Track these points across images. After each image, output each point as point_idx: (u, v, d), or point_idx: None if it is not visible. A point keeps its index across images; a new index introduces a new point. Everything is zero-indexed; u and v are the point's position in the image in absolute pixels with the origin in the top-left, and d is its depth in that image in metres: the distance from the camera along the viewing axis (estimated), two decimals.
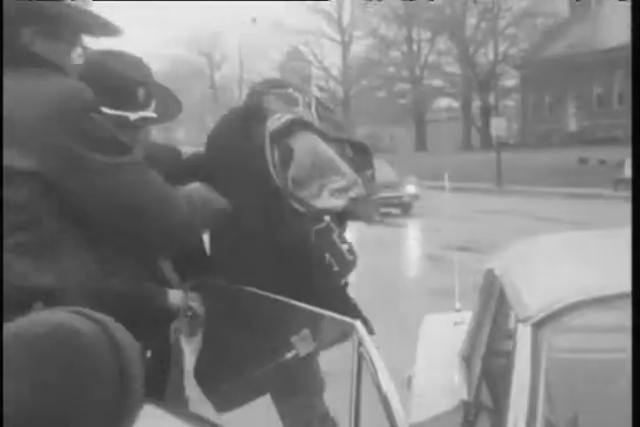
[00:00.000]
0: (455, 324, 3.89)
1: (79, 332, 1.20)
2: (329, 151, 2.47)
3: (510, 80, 54.24)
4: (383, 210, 23.40)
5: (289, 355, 2.33)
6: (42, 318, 1.24)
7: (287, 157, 2.35)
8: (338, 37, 59.89)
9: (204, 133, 2.78)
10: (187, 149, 2.56)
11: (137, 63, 2.31)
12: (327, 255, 2.37)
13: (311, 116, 2.53)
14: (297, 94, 2.58)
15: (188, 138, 52.74)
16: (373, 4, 55.63)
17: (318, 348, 2.42)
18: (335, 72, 61.58)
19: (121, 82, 2.13)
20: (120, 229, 1.78)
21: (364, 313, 2.47)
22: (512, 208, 22.48)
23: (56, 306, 1.35)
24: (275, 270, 2.34)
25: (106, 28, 2.01)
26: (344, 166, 2.48)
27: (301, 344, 2.34)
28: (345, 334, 2.10)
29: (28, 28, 1.82)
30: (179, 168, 2.38)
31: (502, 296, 2.51)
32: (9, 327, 1.22)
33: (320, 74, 63.05)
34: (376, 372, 1.54)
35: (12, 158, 1.61)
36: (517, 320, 2.09)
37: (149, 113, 2.28)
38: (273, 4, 72.21)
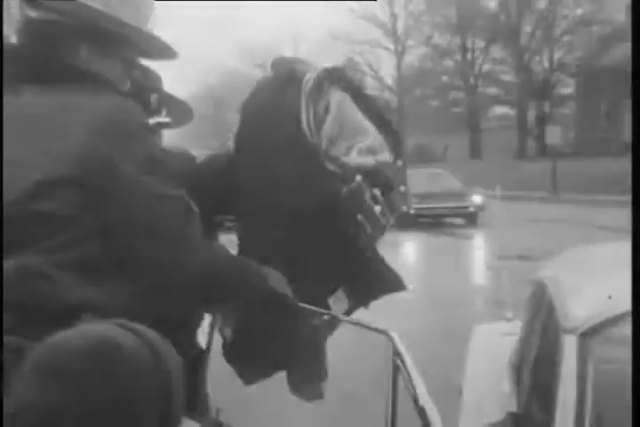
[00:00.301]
0: (505, 334, 3.85)
1: (122, 346, 1.21)
2: (357, 112, 2.46)
3: (566, 88, 53.64)
4: (447, 220, 23.44)
5: (325, 316, 2.33)
6: (85, 331, 1.25)
7: (320, 115, 2.34)
8: (392, 47, 59.88)
9: None
10: (200, 153, 2.55)
11: (146, 70, 2.34)
12: (359, 215, 2.34)
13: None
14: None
15: None
16: (427, 14, 55.62)
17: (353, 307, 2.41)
18: (389, 82, 61.55)
19: (135, 88, 2.12)
20: (136, 256, 1.71)
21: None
22: (568, 217, 22.22)
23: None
24: (307, 230, 2.33)
25: (163, 52, 2.02)
26: (372, 129, 2.46)
27: (337, 304, 2.35)
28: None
29: (84, 44, 1.84)
30: (193, 173, 2.37)
31: (550, 306, 2.47)
32: (53, 340, 1.22)
33: (375, 84, 63.09)
34: (412, 382, 1.51)
35: (56, 170, 1.61)
36: (564, 331, 2.06)
37: (164, 118, 2.31)
38: (328, 15, 72.35)
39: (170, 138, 2.62)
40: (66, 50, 1.82)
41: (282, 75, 2.43)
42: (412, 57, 59.14)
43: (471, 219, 22.76)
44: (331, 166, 2.29)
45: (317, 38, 61.58)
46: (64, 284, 1.54)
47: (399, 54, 59.23)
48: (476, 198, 23.03)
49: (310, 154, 2.30)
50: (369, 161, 2.38)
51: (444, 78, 58.23)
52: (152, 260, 1.70)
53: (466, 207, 22.64)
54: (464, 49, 56.32)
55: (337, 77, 2.46)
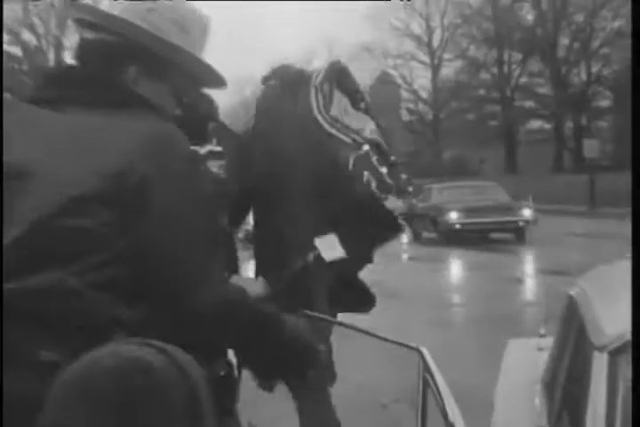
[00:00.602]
0: (540, 348, 3.84)
1: (152, 365, 1.23)
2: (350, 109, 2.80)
3: (603, 101, 53.24)
4: (495, 235, 22.10)
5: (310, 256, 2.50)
6: (116, 351, 1.26)
7: (328, 98, 2.62)
8: (427, 60, 59.80)
9: None
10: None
11: (203, 98, 2.37)
12: (366, 173, 2.65)
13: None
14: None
15: None
16: (463, 27, 55.53)
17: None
18: (424, 95, 61.43)
19: (187, 115, 2.14)
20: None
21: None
22: (606, 231, 21.91)
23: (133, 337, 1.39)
24: (317, 187, 2.60)
25: (214, 80, 2.04)
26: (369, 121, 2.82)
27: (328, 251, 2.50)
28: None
29: (135, 67, 1.87)
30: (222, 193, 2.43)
31: (581, 323, 2.47)
32: (82, 360, 1.24)
33: (409, 97, 62.98)
34: (442, 399, 1.52)
35: (92, 187, 1.62)
36: (594, 348, 2.06)
37: (216, 147, 2.34)
38: (362, 28, 72.51)
39: None
40: (115, 71, 1.85)
41: (290, 77, 2.60)
42: (448, 70, 59.08)
43: (520, 234, 21.67)
44: (342, 136, 2.59)
45: (352, 52, 61.60)
46: (96, 302, 1.56)
47: (435, 67, 59.13)
48: (526, 212, 21.82)
49: (323, 128, 2.59)
50: (376, 136, 2.80)
51: (480, 91, 58.01)
52: (170, 284, 1.70)
53: (515, 222, 21.43)
54: (500, 62, 56.09)
55: (338, 71, 2.75)
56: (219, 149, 2.35)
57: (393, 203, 2.76)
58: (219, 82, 2.05)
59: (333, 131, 2.68)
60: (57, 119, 1.75)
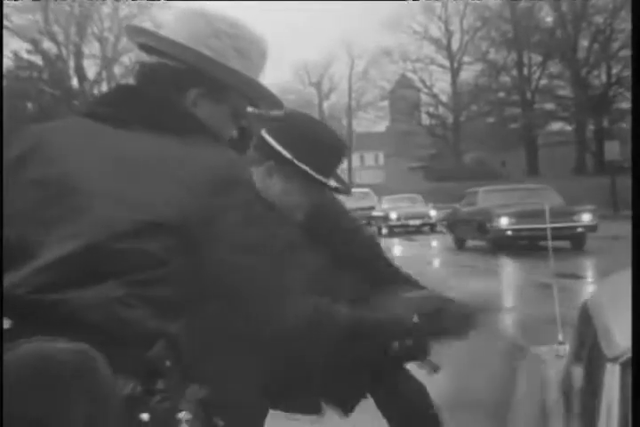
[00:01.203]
0: (559, 356, 3.81)
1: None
2: None
3: (624, 103, 53.01)
4: (552, 244, 19.52)
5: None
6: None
7: None
8: (447, 64, 59.83)
9: None
10: None
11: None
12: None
13: None
14: None
15: None
16: (482, 29, 55.50)
17: None
18: (444, 98, 61.43)
19: (241, 136, 2.16)
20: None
21: None
22: (628, 233, 21.47)
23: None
24: None
25: (270, 102, 2.05)
26: None
27: None
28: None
29: (194, 90, 1.88)
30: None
31: (594, 333, 2.45)
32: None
33: (429, 100, 63.00)
34: None
35: (159, 214, 1.65)
36: (606, 359, 2.04)
37: (342, 183, 2.42)
38: (381, 32, 72.57)
39: None
40: (175, 94, 1.86)
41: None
42: (468, 73, 59.08)
43: (578, 241, 19.41)
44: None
45: (371, 56, 61.71)
46: (142, 313, 1.59)
47: (454, 71, 59.12)
48: (586, 217, 19.61)
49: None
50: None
51: (500, 94, 57.94)
52: (242, 313, 1.72)
53: (573, 228, 19.10)
54: (520, 64, 56.02)
55: None
56: (345, 184, 2.44)
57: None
58: (276, 104, 2.07)
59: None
60: (119, 138, 1.77)
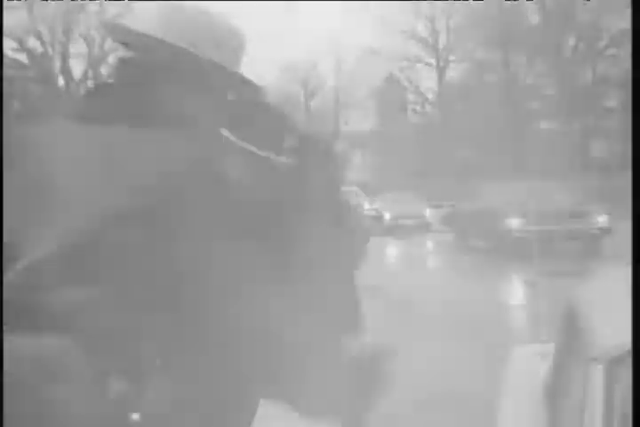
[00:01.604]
0: (545, 355, 3.81)
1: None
2: None
3: (610, 101, 53.18)
4: (564, 246, 18.14)
5: None
6: None
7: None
8: (433, 62, 59.88)
9: None
10: None
11: (282, 114, 2.45)
12: None
13: None
14: None
15: None
16: (468, 28, 55.52)
17: None
18: (431, 96, 61.50)
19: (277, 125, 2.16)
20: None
21: None
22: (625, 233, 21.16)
23: None
24: None
25: (250, 90, 2.06)
26: None
27: None
28: None
29: (172, 85, 1.88)
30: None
31: (579, 331, 2.45)
32: None
33: (416, 99, 63.06)
34: None
35: (128, 203, 1.64)
36: (591, 358, 2.04)
37: (290, 159, 2.38)
38: (369, 30, 72.71)
39: None
40: (153, 89, 1.86)
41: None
42: (454, 72, 59.20)
43: (593, 245, 18.19)
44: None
45: (357, 54, 61.70)
46: (120, 315, 1.59)
47: (440, 69, 59.20)
48: (602, 219, 18.43)
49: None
50: None
51: (487, 93, 58.02)
52: (195, 303, 1.67)
53: (588, 230, 17.96)
54: (506, 63, 56.08)
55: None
56: (292, 161, 2.42)
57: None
58: (257, 92, 2.08)
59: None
60: (101, 138, 1.77)
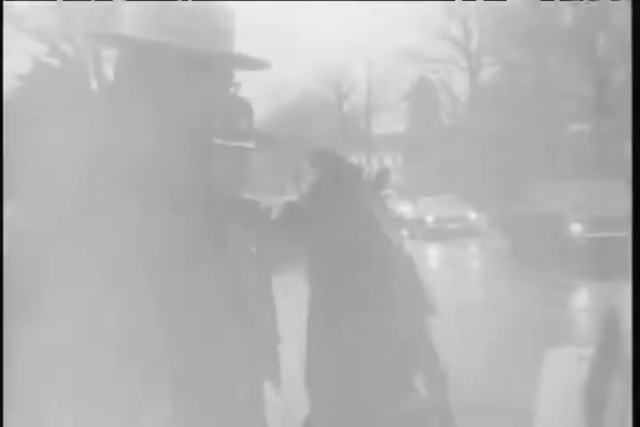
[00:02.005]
0: (579, 359, 3.77)
1: None
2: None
3: None
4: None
5: None
6: None
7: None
8: (466, 64, 59.68)
9: None
10: (268, 201, 2.59)
11: (237, 97, 2.38)
12: None
13: None
14: None
15: None
16: (502, 29, 55.27)
17: None
18: (464, 99, 61.29)
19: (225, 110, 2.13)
20: None
21: None
22: None
23: None
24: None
25: (255, 65, 2.00)
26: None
27: None
28: None
29: (170, 74, 1.87)
30: (261, 222, 2.38)
31: (617, 334, 2.42)
32: None
33: (448, 101, 62.88)
34: None
35: None
36: (627, 361, 2.01)
37: (247, 144, 2.35)
38: (401, 33, 72.61)
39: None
40: (153, 88, 1.86)
41: (330, 172, 2.59)
42: (487, 74, 58.93)
43: None
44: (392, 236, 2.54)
45: (390, 57, 61.70)
46: None
47: (473, 71, 59.00)
48: None
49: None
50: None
51: (520, 94, 57.67)
52: None
53: None
54: (540, 64, 55.74)
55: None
56: (250, 145, 2.39)
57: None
58: (262, 65, 1.99)
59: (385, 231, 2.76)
60: (109, 136, 1.79)
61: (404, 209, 28.72)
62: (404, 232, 26.78)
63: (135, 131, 1.73)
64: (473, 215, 30.02)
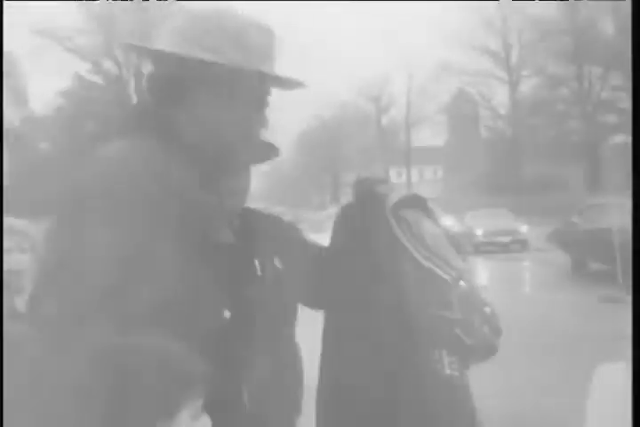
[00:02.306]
0: (628, 372, 3.72)
1: None
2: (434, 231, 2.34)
3: None
4: None
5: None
6: None
7: (416, 228, 2.22)
8: (505, 77, 59.41)
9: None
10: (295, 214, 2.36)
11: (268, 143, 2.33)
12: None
13: None
14: None
15: None
16: (541, 42, 54.97)
17: None
18: (503, 111, 60.98)
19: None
20: None
21: None
22: None
23: None
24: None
25: (288, 84, 1.94)
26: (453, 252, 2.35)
27: None
28: None
29: (197, 94, 1.84)
30: (302, 253, 2.21)
31: None
32: None
33: (488, 114, 62.59)
34: None
35: None
36: None
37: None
38: (441, 47, 72.50)
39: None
40: (171, 103, 1.84)
41: (364, 196, 2.30)
42: (527, 86, 58.61)
43: None
44: (439, 271, 2.13)
45: (429, 69, 61.62)
46: None
47: (513, 84, 58.70)
48: None
49: (416, 260, 2.16)
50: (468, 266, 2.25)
51: (560, 107, 57.24)
52: None
53: None
54: (580, 76, 55.30)
55: (416, 202, 2.32)
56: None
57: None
58: (296, 84, 1.94)
59: (429, 264, 2.19)
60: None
61: (448, 223, 27.78)
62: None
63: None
64: (524, 228, 29.18)
